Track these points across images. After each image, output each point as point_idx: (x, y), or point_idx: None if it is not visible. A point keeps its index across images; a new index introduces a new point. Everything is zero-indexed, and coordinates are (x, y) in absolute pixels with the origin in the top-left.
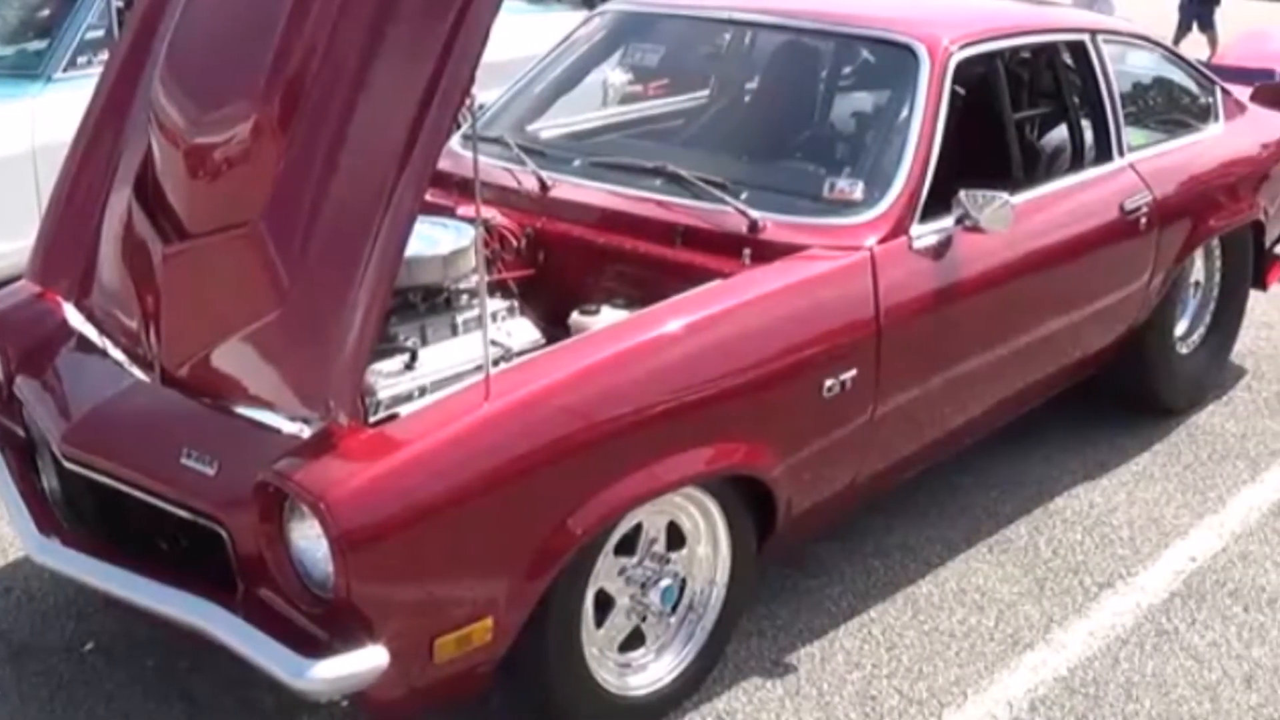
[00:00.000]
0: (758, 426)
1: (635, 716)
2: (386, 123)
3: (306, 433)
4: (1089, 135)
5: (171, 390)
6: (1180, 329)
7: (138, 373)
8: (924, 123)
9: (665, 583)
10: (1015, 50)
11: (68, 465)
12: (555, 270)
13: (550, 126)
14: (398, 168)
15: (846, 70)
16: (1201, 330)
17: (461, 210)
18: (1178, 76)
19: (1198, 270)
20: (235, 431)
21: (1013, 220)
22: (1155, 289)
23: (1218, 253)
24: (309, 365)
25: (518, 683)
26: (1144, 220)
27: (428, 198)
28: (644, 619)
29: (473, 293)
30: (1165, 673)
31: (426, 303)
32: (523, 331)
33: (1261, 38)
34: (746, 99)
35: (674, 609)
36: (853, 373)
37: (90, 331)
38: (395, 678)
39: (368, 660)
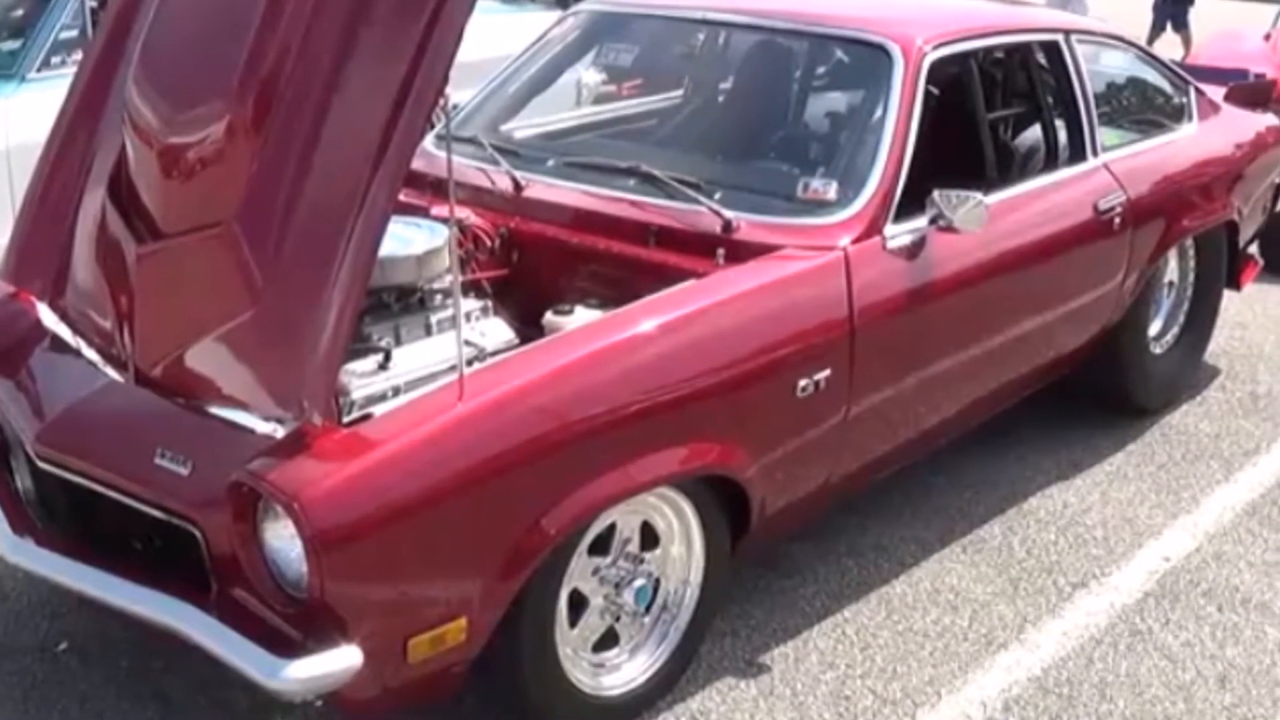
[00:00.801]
0: (732, 426)
1: (609, 716)
2: (360, 123)
3: (280, 433)
4: (1063, 135)
5: (145, 390)
6: (1154, 329)
7: (112, 373)
8: (898, 123)
9: (639, 583)
10: (989, 50)
11: (42, 465)
12: (529, 270)
13: (524, 126)
14: (372, 168)
15: (820, 70)
16: (1175, 330)
17: (435, 210)
18: (1152, 76)
19: (1171, 270)
20: (209, 431)
21: (986, 220)
22: (1129, 289)
23: (1191, 253)
24: (283, 365)
25: (491, 683)
26: (1118, 220)
27: (402, 198)
28: (618, 619)
29: (447, 293)
30: (1139, 673)
31: (400, 303)
32: (496, 331)
33: (1235, 38)
34: (720, 99)
35: (648, 609)
36: (826, 373)
37: (64, 331)
38: (369, 678)
39: (341, 660)
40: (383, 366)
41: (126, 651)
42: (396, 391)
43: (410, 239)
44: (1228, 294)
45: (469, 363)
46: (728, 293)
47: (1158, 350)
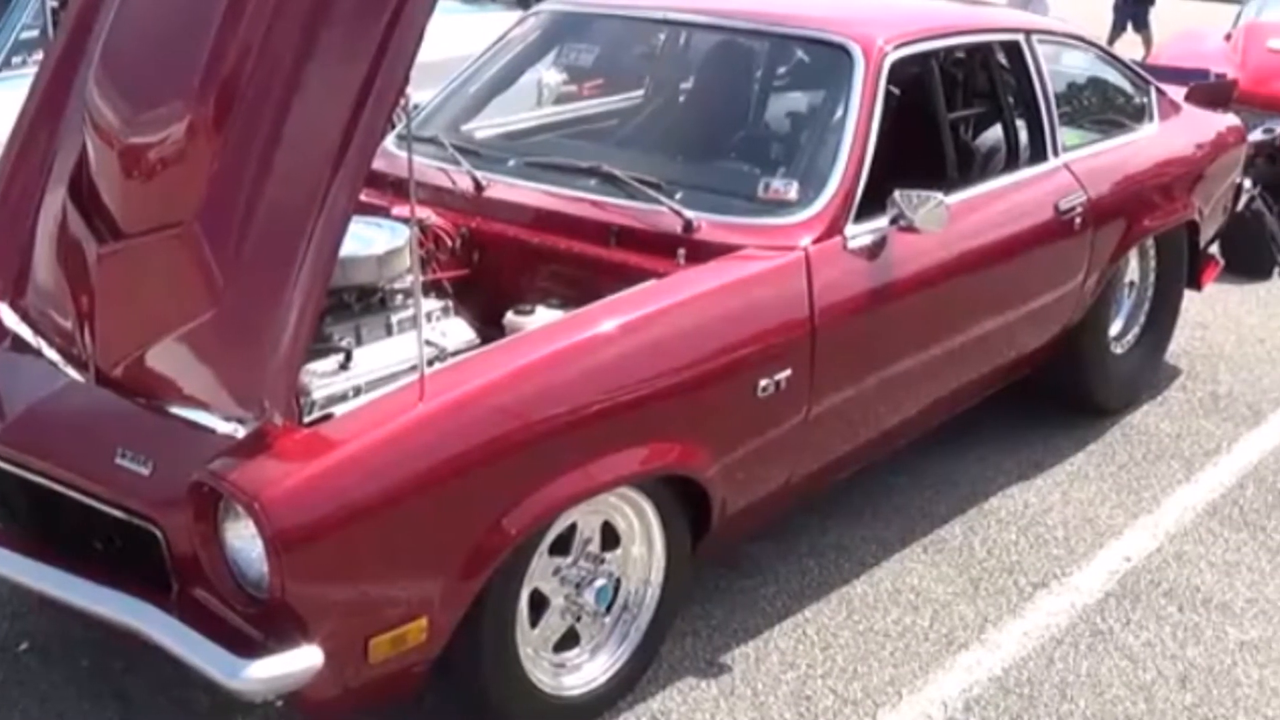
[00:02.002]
0: (692, 426)
1: (570, 716)
2: (321, 123)
3: (241, 433)
4: (1024, 135)
5: (106, 390)
6: (1115, 329)
7: (73, 373)
8: (859, 123)
9: (600, 583)
10: (950, 50)
11: (2, 465)
12: (490, 270)
13: (485, 126)
14: (332, 168)
15: (781, 70)
16: (1136, 330)
17: (396, 210)
18: (1112, 76)
19: (1132, 270)
20: (170, 431)
21: (947, 220)
22: (1090, 289)
23: (1152, 253)
24: (244, 365)
25: (452, 683)
26: (1078, 220)
27: (362, 198)
28: (579, 619)
29: (407, 293)
30: (1100, 673)
31: (361, 303)
32: (457, 331)
33: (1196, 38)
34: (681, 99)
35: (609, 609)
36: (787, 373)
37: (25, 331)
38: (330, 678)
39: (302, 660)
40: (343, 366)
41: (87, 651)
42: (357, 391)
43: (371, 239)
44: (1188, 294)
45: (430, 363)
46: (688, 293)
47: (1118, 350)
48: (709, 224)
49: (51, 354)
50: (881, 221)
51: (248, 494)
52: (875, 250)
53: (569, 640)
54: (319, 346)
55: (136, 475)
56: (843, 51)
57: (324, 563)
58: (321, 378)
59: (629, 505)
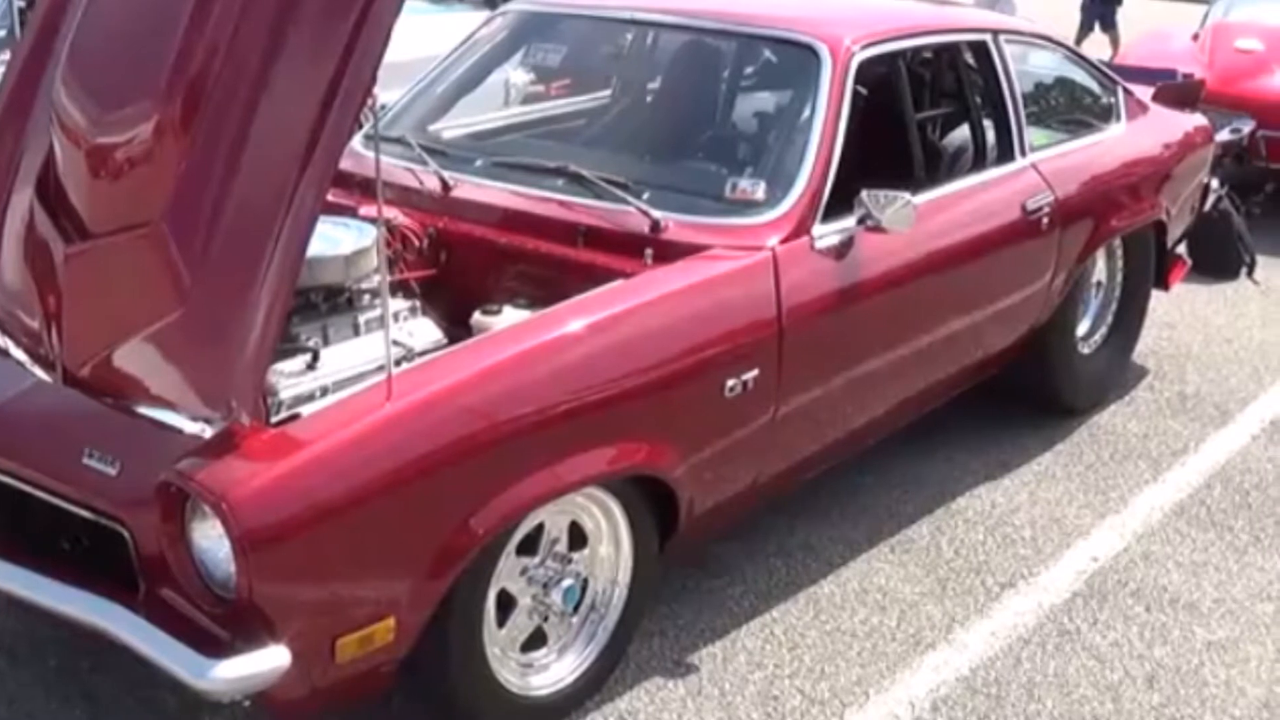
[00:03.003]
0: (660, 426)
1: (537, 716)
2: (288, 123)
3: (208, 433)
4: (991, 135)
5: (73, 390)
6: (1082, 329)
7: (40, 373)
8: (826, 123)
9: (567, 583)
10: (917, 50)
11: None
12: (457, 270)
13: (452, 126)
14: (299, 168)
15: (749, 70)
16: (1103, 330)
17: (363, 210)
18: (1080, 76)
19: (1100, 270)
20: (137, 432)
21: (915, 220)
22: (1057, 289)
23: (1120, 253)
24: (211, 365)
25: (420, 683)
26: (1046, 220)
27: (330, 198)
28: (546, 619)
29: (375, 293)
30: (1067, 673)
31: (328, 303)
32: (425, 331)
33: (1163, 38)
34: (649, 99)
35: (576, 609)
36: (754, 373)
37: None
38: (297, 678)
39: (269, 660)
40: (311, 366)
41: (55, 652)
42: (324, 391)
43: (338, 239)
44: (1156, 294)
45: (397, 363)
46: (655, 293)
47: (1086, 350)
48: (676, 224)
49: (19, 354)
50: (849, 221)
51: (215, 494)
52: (842, 250)
53: (536, 640)
54: (286, 346)
55: (104, 475)
56: (810, 52)
57: (291, 563)
58: (289, 378)
59: (596, 505)
